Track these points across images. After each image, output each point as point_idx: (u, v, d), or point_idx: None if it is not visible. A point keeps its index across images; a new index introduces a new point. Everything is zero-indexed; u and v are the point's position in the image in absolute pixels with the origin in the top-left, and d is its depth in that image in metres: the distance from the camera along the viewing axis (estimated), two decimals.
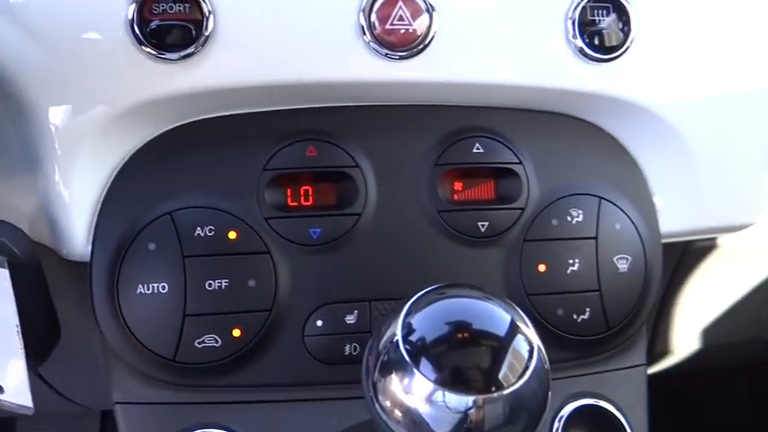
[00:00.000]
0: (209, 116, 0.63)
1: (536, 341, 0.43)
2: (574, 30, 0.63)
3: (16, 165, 0.61)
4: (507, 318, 0.43)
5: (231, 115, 0.63)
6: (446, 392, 0.41)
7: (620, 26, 0.63)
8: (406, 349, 0.42)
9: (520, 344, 0.42)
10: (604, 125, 0.69)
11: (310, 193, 0.63)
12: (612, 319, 0.66)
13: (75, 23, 0.57)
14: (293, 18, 0.59)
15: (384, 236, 0.63)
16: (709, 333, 0.87)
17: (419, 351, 0.42)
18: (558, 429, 0.65)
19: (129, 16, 0.56)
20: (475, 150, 0.64)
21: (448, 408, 0.41)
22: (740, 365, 1.03)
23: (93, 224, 0.61)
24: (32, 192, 0.61)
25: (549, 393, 0.44)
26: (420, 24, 0.60)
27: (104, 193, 0.61)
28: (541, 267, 0.65)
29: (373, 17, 0.59)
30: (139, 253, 0.59)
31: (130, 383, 0.63)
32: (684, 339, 0.87)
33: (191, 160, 0.62)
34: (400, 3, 0.59)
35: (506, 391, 0.41)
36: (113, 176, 0.61)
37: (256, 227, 0.61)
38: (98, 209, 0.61)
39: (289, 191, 0.62)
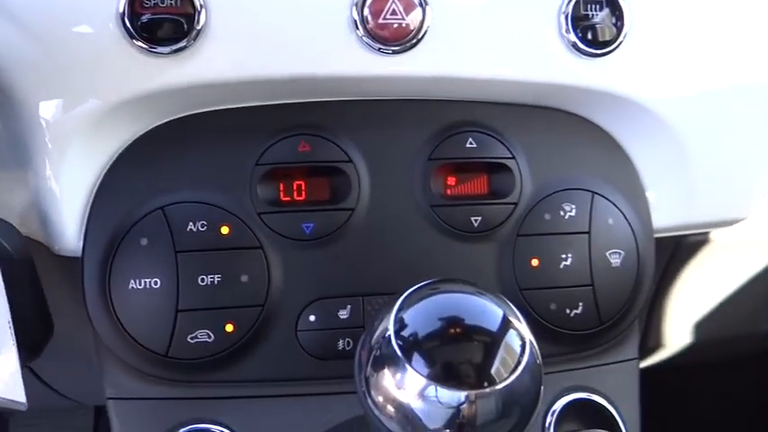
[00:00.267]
0: (202, 111, 0.63)
1: (528, 336, 0.43)
2: (567, 24, 0.62)
3: (6, 159, 0.61)
4: (500, 313, 0.43)
5: (224, 110, 0.63)
6: (438, 387, 0.41)
7: (614, 21, 0.63)
8: (398, 344, 0.42)
9: (512, 339, 0.42)
10: (597, 120, 0.69)
11: (303, 187, 0.62)
12: (605, 314, 0.66)
13: (66, 17, 0.56)
14: (286, 12, 0.59)
15: (377, 231, 0.63)
16: (701, 327, 0.87)
17: (411, 346, 0.42)
18: (550, 423, 0.65)
19: (121, 10, 0.56)
20: (468, 145, 0.64)
21: (440, 403, 0.41)
22: (734, 360, 1.04)
23: (85, 219, 0.61)
24: (23, 187, 0.61)
25: (542, 388, 0.44)
26: (413, 19, 0.60)
27: (96, 188, 0.61)
28: (534, 262, 0.65)
29: (366, 11, 0.59)
30: (131, 248, 0.59)
31: (123, 379, 0.62)
32: (676, 334, 0.87)
33: (183, 155, 0.62)
34: None
35: (499, 387, 0.41)
36: (105, 171, 0.61)
37: (249, 222, 0.60)
38: (89, 204, 0.61)
39: (281, 186, 0.62)
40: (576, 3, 0.62)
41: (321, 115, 0.63)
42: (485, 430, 0.41)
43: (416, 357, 0.41)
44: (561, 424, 0.65)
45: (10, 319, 0.54)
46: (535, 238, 0.65)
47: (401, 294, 0.45)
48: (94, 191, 0.61)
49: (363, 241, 0.62)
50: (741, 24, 0.69)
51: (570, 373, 0.68)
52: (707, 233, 0.75)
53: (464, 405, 0.40)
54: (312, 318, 0.62)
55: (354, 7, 0.59)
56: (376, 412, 0.43)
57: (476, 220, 0.64)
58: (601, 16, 0.63)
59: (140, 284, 0.59)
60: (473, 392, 0.41)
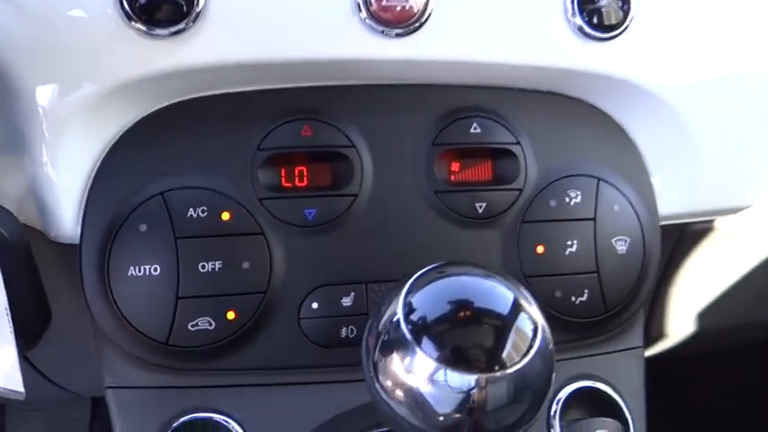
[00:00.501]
0: (202, 95, 0.62)
1: (540, 320, 0.43)
2: (573, 8, 0.61)
3: (2, 145, 0.60)
4: (510, 296, 0.43)
5: (224, 94, 0.62)
6: (448, 371, 0.40)
7: (620, 4, 0.62)
8: (407, 328, 0.41)
9: (523, 322, 0.42)
10: (603, 105, 0.68)
11: (305, 173, 0.61)
12: (611, 301, 0.65)
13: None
14: None
15: (380, 217, 0.62)
16: (705, 317, 0.87)
17: (420, 330, 0.41)
18: (555, 411, 0.65)
19: None
20: (472, 130, 0.64)
21: (450, 387, 0.40)
22: (737, 349, 1.03)
23: (83, 205, 0.60)
24: (19, 173, 0.60)
25: (554, 374, 0.43)
26: (417, 1, 0.59)
27: (94, 173, 0.60)
28: (539, 249, 0.64)
29: None
30: (130, 234, 0.58)
31: (122, 367, 0.61)
32: (679, 323, 0.87)
33: (183, 140, 0.60)
34: None
35: (510, 371, 0.40)
36: (103, 156, 0.60)
37: (250, 208, 0.59)
38: (87, 190, 0.60)
39: (283, 171, 0.61)
40: None
41: (323, 100, 0.62)
42: (496, 415, 0.40)
43: (426, 341, 0.41)
44: (566, 412, 0.65)
45: (7, 307, 0.53)
46: (540, 225, 0.64)
47: (409, 278, 0.44)
48: (92, 176, 0.60)
49: (366, 227, 0.62)
50: (748, 10, 0.68)
51: (575, 361, 0.67)
52: (711, 221, 0.75)
53: (474, 389, 0.40)
54: (315, 305, 0.61)
55: None
56: (384, 397, 0.43)
57: (480, 207, 0.63)
58: (607, 0, 0.62)
59: (140, 271, 0.58)
60: (483, 376, 0.40)
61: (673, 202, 0.70)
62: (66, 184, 0.59)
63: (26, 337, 0.59)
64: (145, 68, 0.57)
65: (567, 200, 0.65)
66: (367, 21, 0.59)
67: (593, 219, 0.65)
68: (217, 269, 0.58)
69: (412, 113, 0.63)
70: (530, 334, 0.41)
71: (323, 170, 0.61)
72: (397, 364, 0.42)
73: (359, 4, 0.58)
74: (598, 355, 0.68)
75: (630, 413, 0.67)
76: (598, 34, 0.63)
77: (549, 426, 0.64)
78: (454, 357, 0.40)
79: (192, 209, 0.58)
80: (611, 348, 0.69)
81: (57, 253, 0.62)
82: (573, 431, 0.64)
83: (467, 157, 0.64)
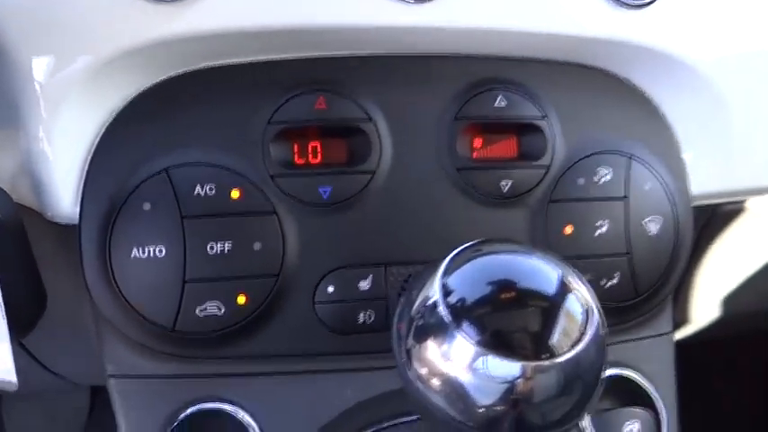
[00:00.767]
0: (209, 65, 0.58)
1: (592, 301, 0.39)
2: None
3: None
4: (556, 274, 0.39)
5: (232, 64, 0.58)
6: (491, 358, 0.36)
7: None
8: (446, 310, 0.37)
9: (573, 304, 0.38)
10: (634, 78, 0.65)
11: (319, 149, 0.58)
12: (641, 285, 0.62)
13: None
14: None
15: (399, 195, 0.59)
16: (731, 301, 0.84)
17: (460, 312, 0.37)
18: None
19: None
20: (497, 104, 0.60)
21: (493, 376, 0.36)
22: (762, 333, 1.01)
23: (81, 183, 0.56)
24: (13, 148, 0.56)
25: (606, 362, 0.39)
26: None
27: (93, 148, 0.56)
28: (568, 230, 0.61)
29: None
30: (133, 213, 0.54)
31: (125, 355, 0.58)
32: (705, 308, 0.84)
33: (188, 113, 0.57)
34: None
35: (560, 359, 0.36)
36: (103, 131, 0.56)
37: (261, 185, 0.56)
38: (86, 166, 0.56)
39: (296, 146, 0.57)
40: None
41: (339, 71, 0.59)
42: (542, 408, 0.36)
43: (466, 324, 0.37)
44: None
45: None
46: (568, 204, 0.61)
47: (443, 258, 0.40)
48: (92, 152, 0.56)
49: (385, 206, 0.58)
50: None
51: None
52: (742, 201, 0.72)
53: (520, 379, 0.36)
54: (330, 289, 0.58)
55: None
56: (419, 386, 0.39)
57: (505, 185, 0.60)
58: None
59: (143, 253, 0.54)
60: (530, 365, 0.36)
61: (705, 181, 0.67)
62: (63, 159, 0.55)
63: (20, 324, 0.55)
64: (147, 35, 0.54)
65: (597, 178, 0.61)
66: None
67: (624, 198, 0.62)
68: (226, 251, 0.55)
69: (433, 86, 0.60)
70: (581, 317, 0.38)
71: (338, 146, 0.58)
72: (433, 350, 0.38)
73: None
74: (627, 341, 0.65)
75: (662, 402, 0.63)
76: (630, 1, 0.59)
77: None
78: (498, 342, 0.36)
79: (199, 186, 0.55)
80: (640, 334, 0.66)
81: (54, 234, 0.58)
82: (602, 421, 0.60)
83: (490, 132, 0.61)
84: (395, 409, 0.55)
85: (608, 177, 0.62)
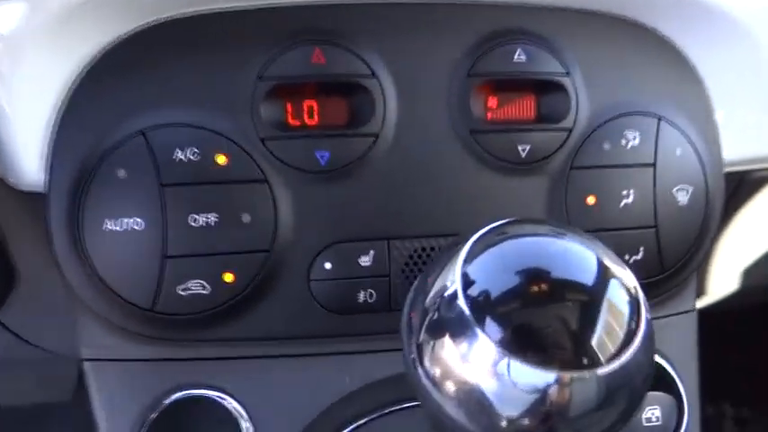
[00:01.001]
0: (193, 11, 0.52)
1: (641, 296, 0.33)
2: None
3: None
4: (596, 259, 0.33)
5: (219, 11, 0.53)
6: (519, 364, 0.31)
7: None
8: (467, 304, 0.31)
9: (620, 299, 0.32)
10: (663, 28, 0.59)
11: (315, 108, 0.53)
12: (668, 260, 0.58)
13: None
14: None
15: (406, 161, 0.54)
16: (754, 272, 0.80)
17: (483, 307, 0.31)
18: None
19: None
20: (516, 58, 0.54)
21: (520, 384, 0.31)
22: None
23: (49, 146, 0.51)
24: None
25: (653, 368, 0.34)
26: None
27: (61, 107, 0.51)
28: (590, 200, 0.56)
29: None
30: (106, 181, 0.50)
31: (102, 337, 0.54)
32: (725, 279, 0.80)
33: (169, 66, 0.52)
34: None
35: (605, 370, 0.30)
36: (73, 87, 0.51)
37: (251, 149, 0.51)
38: (54, 127, 0.51)
39: (289, 106, 0.53)
40: None
41: (339, 19, 0.53)
42: (578, 424, 0.31)
43: (490, 322, 0.31)
44: None
45: None
46: (592, 172, 0.56)
47: (463, 242, 0.34)
48: (60, 110, 0.51)
49: (389, 173, 0.53)
50: None
51: None
52: None
53: (553, 389, 0.30)
54: (328, 265, 0.53)
55: None
56: (430, 388, 0.34)
57: (523, 150, 0.54)
58: None
59: (119, 225, 0.49)
60: (567, 375, 0.30)
61: (737, 144, 0.61)
62: (27, 119, 0.50)
63: None
64: None
65: (624, 142, 0.56)
66: None
67: (653, 164, 0.56)
68: (211, 223, 0.50)
69: (444, 37, 0.54)
70: (627, 314, 0.32)
71: (337, 105, 0.53)
72: (449, 349, 0.32)
73: None
74: None
75: (684, 386, 0.59)
76: None
77: None
78: (528, 345, 0.31)
79: (180, 150, 0.50)
80: (662, 312, 0.61)
81: (18, 202, 0.53)
82: None
83: (507, 90, 0.56)
84: (399, 394, 0.50)
85: (636, 142, 0.56)
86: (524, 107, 0.56)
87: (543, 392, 0.31)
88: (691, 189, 0.58)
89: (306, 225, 0.53)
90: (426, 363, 0.34)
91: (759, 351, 1.03)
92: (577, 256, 0.33)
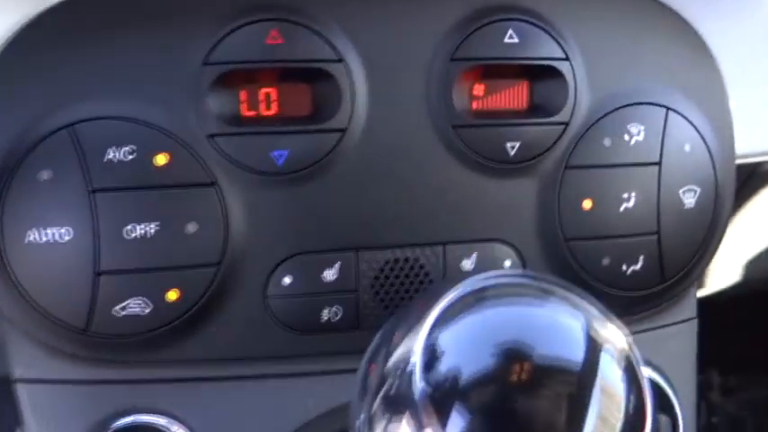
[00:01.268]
0: None
1: (646, 392, 0.27)
2: None
3: None
4: (584, 336, 0.27)
5: None
6: None
7: None
8: (425, 390, 0.25)
9: (614, 388, 0.26)
10: (673, 1, 0.52)
11: (273, 97, 0.47)
12: (669, 269, 0.53)
13: None
14: None
15: (377, 160, 0.48)
16: (754, 266, 0.75)
17: (447, 396, 0.25)
18: None
19: None
20: (507, 40, 0.47)
21: None
22: None
23: None
24: None
25: None
26: None
27: None
28: (586, 204, 0.50)
29: None
30: (28, 184, 0.44)
31: (35, 356, 0.48)
32: (724, 273, 0.75)
33: (99, 49, 0.45)
34: None
35: None
36: None
37: (196, 147, 0.45)
38: None
39: (242, 95, 0.46)
40: None
41: None
42: None
43: (456, 417, 0.25)
44: None
45: None
46: (589, 172, 0.50)
47: (436, 301, 0.28)
48: None
49: (357, 175, 0.47)
50: None
51: None
52: None
53: None
54: (287, 279, 0.47)
55: None
56: None
57: (512, 147, 0.48)
58: None
59: (43, 236, 0.43)
60: None
61: (750, 134, 0.56)
62: None
63: None
64: None
65: (627, 138, 0.50)
66: None
67: (659, 163, 0.51)
68: (150, 234, 0.44)
69: (424, 15, 0.48)
70: (631, 410, 0.26)
71: (299, 93, 0.47)
72: None
73: None
74: (644, 331, 0.55)
75: (681, 407, 0.54)
76: None
77: None
78: None
79: (113, 149, 0.44)
80: (660, 322, 0.57)
81: None
82: None
83: (496, 77, 0.49)
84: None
85: (640, 137, 0.50)
86: (515, 97, 0.49)
87: None
88: (698, 190, 0.52)
89: (261, 234, 0.47)
90: None
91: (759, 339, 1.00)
92: (564, 329, 0.27)
